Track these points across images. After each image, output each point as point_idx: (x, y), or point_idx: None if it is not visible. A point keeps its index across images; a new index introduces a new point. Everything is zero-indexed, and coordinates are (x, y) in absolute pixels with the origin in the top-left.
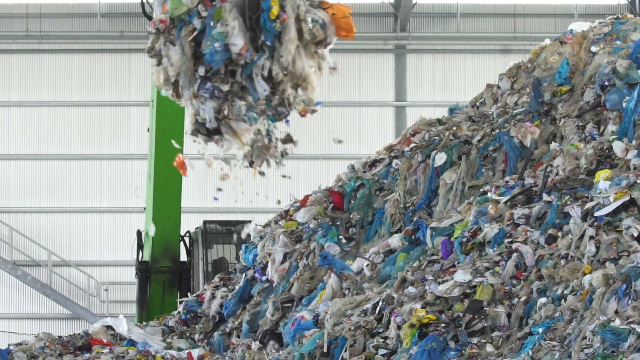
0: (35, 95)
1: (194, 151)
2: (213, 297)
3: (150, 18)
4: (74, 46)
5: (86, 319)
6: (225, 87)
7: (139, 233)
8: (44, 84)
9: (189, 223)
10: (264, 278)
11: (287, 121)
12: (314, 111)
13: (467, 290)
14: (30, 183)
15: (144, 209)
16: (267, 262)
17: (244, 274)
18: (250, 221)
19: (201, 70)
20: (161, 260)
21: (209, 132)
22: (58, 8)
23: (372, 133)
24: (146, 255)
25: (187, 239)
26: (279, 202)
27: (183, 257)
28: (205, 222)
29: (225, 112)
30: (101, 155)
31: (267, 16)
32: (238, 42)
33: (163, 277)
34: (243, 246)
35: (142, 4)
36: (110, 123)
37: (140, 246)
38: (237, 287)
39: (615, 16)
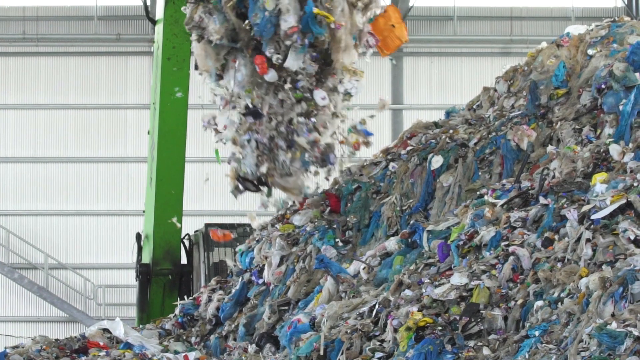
0: (31, 98)
1: (194, 154)
2: (210, 300)
3: (152, 21)
4: (70, 49)
5: (83, 321)
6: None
7: (138, 236)
8: (40, 86)
9: (187, 226)
10: (260, 281)
11: (331, 164)
12: (367, 143)
13: (464, 294)
14: (27, 186)
15: (144, 211)
16: (264, 265)
17: (240, 277)
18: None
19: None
20: (162, 263)
21: (255, 185)
22: (55, 11)
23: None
24: (146, 257)
25: (186, 242)
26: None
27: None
28: (206, 225)
29: (264, 169)
30: (98, 158)
31: (311, 21)
32: (290, 20)
33: (164, 279)
34: (239, 249)
35: (145, 7)
36: (107, 126)
37: (140, 249)
38: (233, 290)
39: (612, 19)
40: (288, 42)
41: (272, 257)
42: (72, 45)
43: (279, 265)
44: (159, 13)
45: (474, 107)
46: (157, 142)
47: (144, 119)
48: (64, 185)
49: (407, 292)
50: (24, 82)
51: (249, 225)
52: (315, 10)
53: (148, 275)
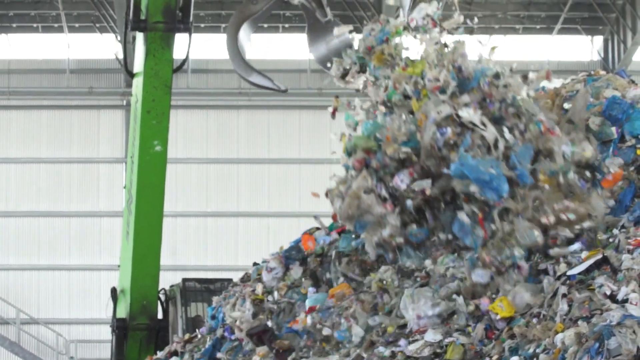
0: (3, 152)
1: (167, 208)
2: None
3: (130, 74)
4: (42, 102)
5: None
6: None
7: (113, 290)
8: (12, 140)
9: (160, 280)
10: (233, 337)
11: None
12: None
13: (438, 350)
14: None
15: (119, 265)
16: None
17: (212, 332)
18: None
19: None
20: (139, 318)
21: None
22: (26, 64)
23: None
24: (122, 312)
25: (162, 297)
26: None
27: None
28: (184, 280)
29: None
30: (70, 212)
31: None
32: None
33: (140, 334)
34: (209, 309)
35: (125, 60)
36: (79, 180)
37: (115, 303)
38: (206, 346)
39: (588, 73)
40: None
41: (245, 313)
42: (44, 98)
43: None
44: (138, 66)
45: None
46: (135, 196)
47: (116, 173)
48: (35, 239)
49: (381, 349)
50: None
51: (227, 280)
52: None
53: (125, 330)
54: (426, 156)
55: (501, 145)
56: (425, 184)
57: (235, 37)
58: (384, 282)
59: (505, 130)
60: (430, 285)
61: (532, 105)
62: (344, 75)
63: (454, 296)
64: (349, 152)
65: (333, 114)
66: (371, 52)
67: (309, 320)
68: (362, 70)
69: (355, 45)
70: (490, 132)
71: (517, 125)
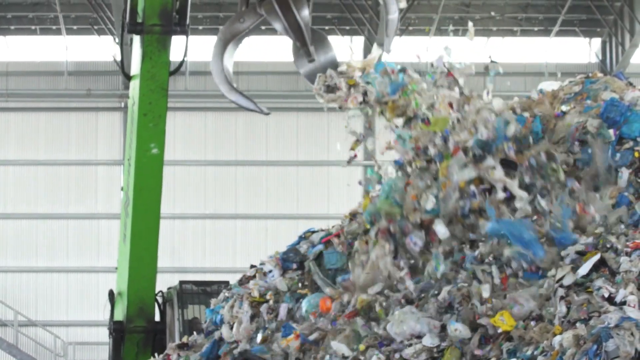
0: (0, 154)
1: (165, 210)
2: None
3: (127, 77)
4: (40, 104)
5: None
6: None
7: (111, 292)
8: (10, 142)
9: (158, 282)
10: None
11: None
12: None
13: (435, 354)
14: None
15: (116, 268)
16: (234, 322)
17: (211, 334)
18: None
19: None
20: (136, 320)
21: None
22: (24, 66)
23: (341, 192)
24: (119, 315)
25: (159, 299)
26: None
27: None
28: (181, 282)
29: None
30: (68, 214)
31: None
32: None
33: (137, 337)
34: (208, 311)
35: (122, 62)
36: (77, 182)
37: (112, 305)
38: (204, 349)
39: (586, 75)
40: None
41: (243, 315)
42: (42, 100)
43: (250, 322)
44: (135, 69)
45: None
46: (132, 199)
47: (114, 175)
48: (33, 241)
49: (378, 352)
50: None
51: (223, 282)
52: None
53: (122, 332)
54: (449, 221)
55: (529, 208)
56: (441, 231)
57: (221, 56)
58: (375, 308)
59: (538, 196)
60: (416, 300)
61: (562, 174)
62: (328, 92)
63: (455, 327)
64: (372, 220)
65: (354, 157)
66: (383, 100)
67: (294, 343)
68: (365, 95)
69: (343, 64)
70: (520, 196)
71: (547, 192)
